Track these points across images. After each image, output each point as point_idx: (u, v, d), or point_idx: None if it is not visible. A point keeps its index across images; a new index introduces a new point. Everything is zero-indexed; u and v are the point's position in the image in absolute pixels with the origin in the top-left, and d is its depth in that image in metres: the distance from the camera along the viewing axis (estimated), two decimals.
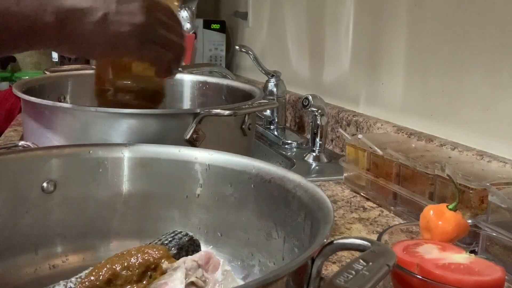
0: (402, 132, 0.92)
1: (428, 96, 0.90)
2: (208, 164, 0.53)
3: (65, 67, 1.14)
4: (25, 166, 0.51)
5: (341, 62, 1.17)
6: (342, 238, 0.35)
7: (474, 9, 0.80)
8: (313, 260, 0.34)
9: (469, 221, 0.55)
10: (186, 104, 0.99)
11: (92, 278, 0.43)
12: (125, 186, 0.55)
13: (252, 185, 0.50)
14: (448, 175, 0.58)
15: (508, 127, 0.75)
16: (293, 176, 0.47)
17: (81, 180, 0.54)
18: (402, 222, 0.71)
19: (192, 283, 0.43)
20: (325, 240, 0.34)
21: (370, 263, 0.31)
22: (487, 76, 0.78)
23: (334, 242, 0.35)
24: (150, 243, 0.49)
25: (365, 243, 0.34)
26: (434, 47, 0.88)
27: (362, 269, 0.30)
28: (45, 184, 0.52)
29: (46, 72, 1.00)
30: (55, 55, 1.58)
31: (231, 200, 0.52)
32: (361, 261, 0.31)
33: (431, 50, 0.89)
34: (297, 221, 0.44)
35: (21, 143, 0.62)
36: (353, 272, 0.30)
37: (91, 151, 0.54)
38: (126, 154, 0.55)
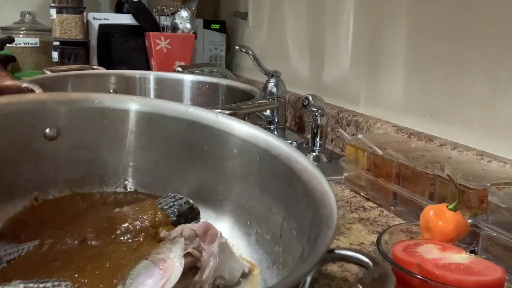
0: (402, 132, 0.92)
1: (428, 96, 0.90)
2: (218, 129, 0.52)
3: (65, 67, 1.14)
4: (28, 111, 0.49)
5: (341, 62, 1.17)
6: (343, 249, 0.34)
7: (474, 9, 0.80)
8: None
9: (469, 221, 0.55)
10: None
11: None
12: (130, 140, 0.53)
13: (258, 157, 0.49)
14: (448, 175, 0.58)
15: (508, 127, 0.75)
16: (301, 159, 0.46)
17: (84, 129, 0.52)
18: (402, 222, 0.71)
19: (189, 253, 0.43)
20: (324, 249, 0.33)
21: None
22: (487, 76, 0.78)
23: (335, 251, 0.34)
24: (149, 205, 0.48)
25: (366, 259, 0.32)
26: (434, 47, 0.88)
27: None
28: (47, 130, 0.50)
29: (46, 72, 0.99)
30: (55, 55, 1.58)
31: (235, 166, 0.51)
32: (359, 286, 0.30)
33: (431, 50, 0.89)
34: (300, 207, 0.43)
35: (25, 85, 0.60)
36: None
37: (96, 101, 0.52)
38: (132, 107, 0.53)
